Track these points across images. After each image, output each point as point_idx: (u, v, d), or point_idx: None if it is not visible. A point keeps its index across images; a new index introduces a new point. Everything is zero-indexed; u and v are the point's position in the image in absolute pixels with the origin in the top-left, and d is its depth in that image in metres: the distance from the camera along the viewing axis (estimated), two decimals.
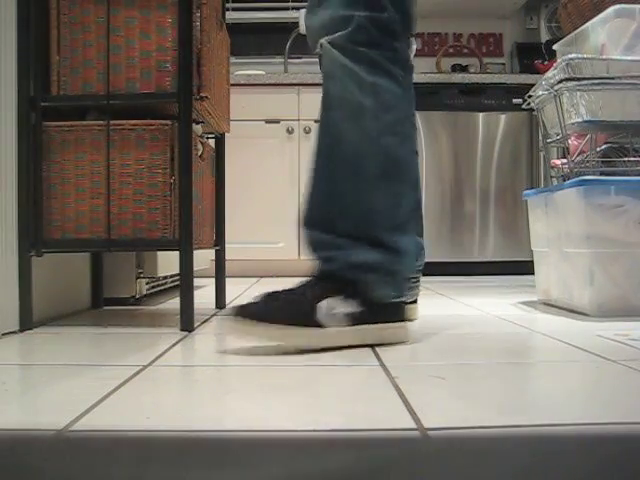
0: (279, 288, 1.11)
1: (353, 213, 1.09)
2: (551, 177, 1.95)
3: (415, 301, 1.45)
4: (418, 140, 1.30)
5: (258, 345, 1.10)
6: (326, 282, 1.09)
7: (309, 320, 1.06)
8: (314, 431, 0.65)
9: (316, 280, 1.10)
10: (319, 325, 1.06)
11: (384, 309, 1.11)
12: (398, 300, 1.12)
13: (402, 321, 1.14)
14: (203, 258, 2.33)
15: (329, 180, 1.12)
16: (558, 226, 1.67)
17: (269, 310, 1.05)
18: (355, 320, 1.09)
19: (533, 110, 1.89)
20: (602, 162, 1.72)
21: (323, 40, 1.11)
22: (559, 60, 1.62)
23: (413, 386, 0.83)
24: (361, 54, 1.07)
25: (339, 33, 1.08)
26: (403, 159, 1.11)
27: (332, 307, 1.07)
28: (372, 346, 1.12)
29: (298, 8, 3.58)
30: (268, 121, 3.15)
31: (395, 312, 1.12)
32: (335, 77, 1.10)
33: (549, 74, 1.68)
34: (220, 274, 1.75)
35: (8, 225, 1.30)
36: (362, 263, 1.08)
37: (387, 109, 1.08)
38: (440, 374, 0.90)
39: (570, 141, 1.73)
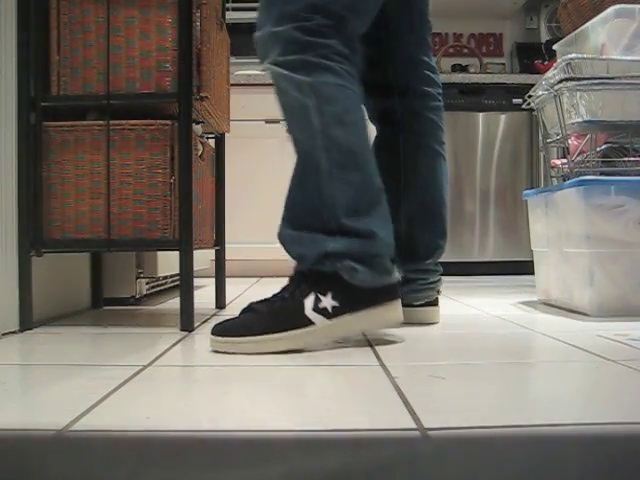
0: (261, 297, 1.13)
1: (317, 207, 1.11)
2: (551, 177, 1.95)
3: (431, 303, 1.43)
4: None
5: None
6: (306, 279, 1.10)
7: (299, 319, 1.07)
8: (314, 431, 0.65)
9: (297, 281, 1.11)
10: (310, 322, 1.07)
11: (369, 294, 1.09)
12: (381, 283, 1.11)
13: (390, 301, 1.11)
14: (203, 258, 2.33)
15: (297, 180, 1.16)
16: (558, 226, 1.67)
17: (257, 322, 1.07)
18: (343, 310, 1.08)
19: (533, 110, 1.89)
20: (602, 162, 1.72)
21: (265, 63, 1.14)
22: (559, 60, 1.62)
23: (413, 386, 0.83)
24: (296, 62, 1.09)
25: (274, 51, 1.11)
26: (356, 146, 1.12)
27: (318, 301, 1.07)
28: (372, 346, 1.12)
29: None
30: (268, 121, 3.15)
31: (381, 295, 1.11)
32: (280, 89, 1.14)
33: (549, 74, 1.68)
34: (220, 274, 1.75)
35: (8, 225, 1.30)
36: (334, 252, 1.09)
37: (330, 102, 1.10)
38: (440, 374, 0.90)
39: (570, 141, 1.73)
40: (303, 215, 1.14)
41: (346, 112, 1.11)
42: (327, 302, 1.08)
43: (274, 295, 1.11)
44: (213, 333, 1.09)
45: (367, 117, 1.50)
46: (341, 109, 1.10)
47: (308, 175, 1.13)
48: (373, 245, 1.10)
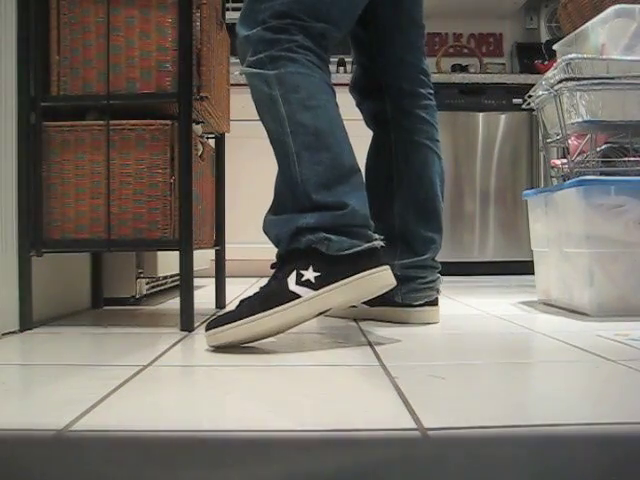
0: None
1: (291, 190, 1.14)
2: (551, 177, 1.95)
3: (431, 303, 1.42)
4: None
5: (257, 344, 1.10)
6: (287, 260, 1.12)
7: (284, 295, 1.07)
8: (314, 431, 0.65)
9: (279, 265, 1.13)
10: (295, 296, 1.07)
11: (351, 261, 1.09)
12: (360, 249, 1.10)
13: (375, 267, 1.10)
14: (203, 258, 2.33)
15: (278, 171, 1.19)
16: (558, 226, 1.67)
17: (246, 309, 1.09)
18: (327, 280, 1.08)
19: (533, 110, 1.89)
20: (602, 162, 1.72)
21: (242, 67, 1.20)
22: (559, 60, 1.62)
23: (413, 386, 0.83)
24: (265, 58, 1.15)
25: (248, 54, 1.17)
26: (323, 128, 1.14)
27: (300, 276, 1.08)
28: (372, 345, 1.12)
29: None
30: None
31: (363, 261, 1.10)
32: (253, 87, 1.19)
33: (549, 74, 1.68)
34: (220, 274, 1.75)
35: (8, 225, 1.30)
36: (306, 227, 1.11)
37: (295, 89, 1.14)
38: (440, 374, 0.90)
39: (570, 141, 1.73)
40: (281, 200, 1.17)
41: (310, 97, 1.15)
42: (309, 275, 1.09)
43: (261, 287, 1.13)
44: (206, 329, 1.10)
45: (364, 120, 1.52)
46: (305, 95, 1.14)
47: (282, 162, 1.17)
48: (345, 215, 1.12)
